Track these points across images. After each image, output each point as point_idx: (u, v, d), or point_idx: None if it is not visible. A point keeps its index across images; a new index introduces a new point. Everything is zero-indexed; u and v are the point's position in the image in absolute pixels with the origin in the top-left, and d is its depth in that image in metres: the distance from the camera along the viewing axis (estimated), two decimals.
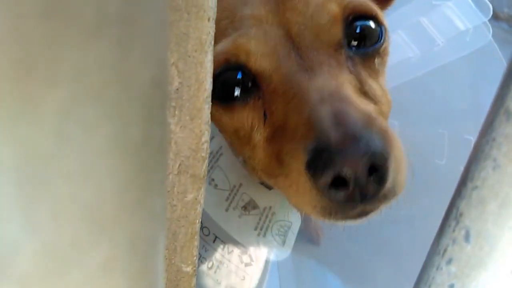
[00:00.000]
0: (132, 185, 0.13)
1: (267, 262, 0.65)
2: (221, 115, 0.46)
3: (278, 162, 0.42)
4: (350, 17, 0.43)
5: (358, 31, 0.43)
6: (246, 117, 0.44)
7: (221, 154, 0.62)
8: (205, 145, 0.40)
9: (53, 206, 0.11)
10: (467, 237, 0.25)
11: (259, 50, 0.42)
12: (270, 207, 0.61)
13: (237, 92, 0.43)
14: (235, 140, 0.48)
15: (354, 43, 0.44)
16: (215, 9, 0.35)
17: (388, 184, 0.35)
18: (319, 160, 0.34)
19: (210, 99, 0.37)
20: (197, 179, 0.40)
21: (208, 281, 0.61)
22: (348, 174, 0.33)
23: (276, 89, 0.42)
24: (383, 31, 0.46)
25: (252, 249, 0.62)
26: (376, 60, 0.45)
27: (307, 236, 0.84)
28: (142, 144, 0.13)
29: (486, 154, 0.24)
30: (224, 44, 0.42)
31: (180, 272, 0.43)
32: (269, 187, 0.60)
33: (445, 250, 0.27)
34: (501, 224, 0.22)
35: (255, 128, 0.44)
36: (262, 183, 0.60)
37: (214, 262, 0.62)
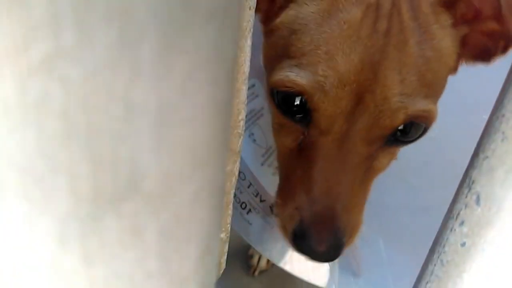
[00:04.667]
0: (216, 136, 0.18)
1: None
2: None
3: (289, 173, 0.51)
4: (407, 122, 0.46)
5: (404, 129, 0.47)
6: (290, 126, 0.49)
7: (261, 115, 0.66)
8: (241, 123, 0.44)
9: (172, 144, 0.15)
10: (477, 201, 0.29)
11: (326, 113, 0.45)
12: None
13: (294, 109, 0.47)
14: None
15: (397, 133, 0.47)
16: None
17: None
18: (300, 244, 0.48)
19: (247, 80, 0.41)
20: (233, 153, 0.45)
21: (240, 220, 0.66)
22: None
23: (316, 144, 0.47)
24: (425, 131, 0.48)
25: None
26: (398, 148, 0.49)
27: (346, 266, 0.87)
28: (223, 104, 0.18)
29: (496, 128, 0.27)
30: (305, 81, 0.44)
31: None
32: None
33: (458, 214, 0.31)
34: (506, 187, 0.26)
35: (290, 135, 0.50)
36: None
37: (247, 205, 0.67)
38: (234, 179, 0.46)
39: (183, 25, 0.14)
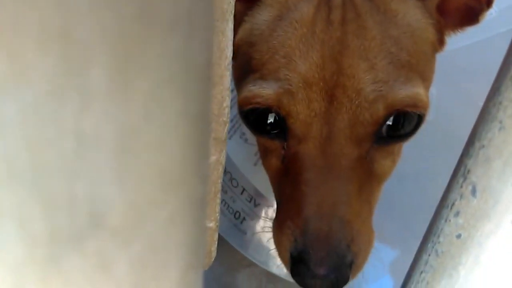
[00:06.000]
0: (191, 152, 0.16)
1: None
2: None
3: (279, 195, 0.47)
4: (393, 114, 0.42)
5: (395, 124, 0.42)
6: (270, 145, 0.46)
7: None
8: (226, 110, 0.42)
9: (138, 171, 0.14)
10: (473, 192, 0.27)
11: (299, 117, 0.41)
12: None
13: (268, 127, 0.44)
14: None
15: (385, 128, 0.43)
16: None
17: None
18: (297, 269, 0.42)
19: (231, 65, 0.39)
20: (219, 142, 0.43)
21: (235, 231, 0.65)
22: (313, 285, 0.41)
23: (298, 154, 0.43)
24: (421, 122, 0.43)
25: None
26: (397, 146, 0.45)
27: None
28: (199, 117, 0.16)
29: (493, 116, 0.26)
30: (270, 91, 0.41)
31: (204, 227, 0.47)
32: None
33: (453, 204, 0.30)
34: (504, 180, 0.25)
35: (273, 155, 0.46)
36: None
37: (241, 214, 0.65)
38: (221, 168, 0.45)
39: (140, 39, 0.12)
